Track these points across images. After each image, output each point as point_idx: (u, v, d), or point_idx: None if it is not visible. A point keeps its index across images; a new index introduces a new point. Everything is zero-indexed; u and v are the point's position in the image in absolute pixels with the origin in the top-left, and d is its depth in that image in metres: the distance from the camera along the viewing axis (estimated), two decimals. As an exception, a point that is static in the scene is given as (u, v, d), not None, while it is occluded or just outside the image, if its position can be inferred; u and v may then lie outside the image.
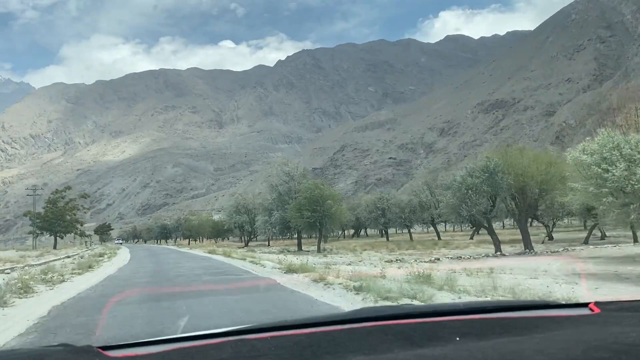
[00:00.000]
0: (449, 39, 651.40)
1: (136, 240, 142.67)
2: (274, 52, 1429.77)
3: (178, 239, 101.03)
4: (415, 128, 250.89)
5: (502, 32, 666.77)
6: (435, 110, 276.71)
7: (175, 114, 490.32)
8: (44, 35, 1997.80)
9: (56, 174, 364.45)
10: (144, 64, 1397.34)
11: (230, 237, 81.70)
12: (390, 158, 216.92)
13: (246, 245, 56.18)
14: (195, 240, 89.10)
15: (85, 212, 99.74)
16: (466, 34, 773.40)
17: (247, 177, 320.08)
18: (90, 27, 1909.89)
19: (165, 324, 7.54)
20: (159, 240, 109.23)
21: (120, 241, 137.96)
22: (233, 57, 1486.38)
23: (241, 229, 57.83)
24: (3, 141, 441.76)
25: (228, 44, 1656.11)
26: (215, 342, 1.26)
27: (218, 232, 76.11)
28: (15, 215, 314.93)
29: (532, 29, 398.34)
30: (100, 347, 1.20)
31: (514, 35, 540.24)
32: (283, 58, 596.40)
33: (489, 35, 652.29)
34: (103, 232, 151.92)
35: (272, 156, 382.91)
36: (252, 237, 60.27)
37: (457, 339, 1.20)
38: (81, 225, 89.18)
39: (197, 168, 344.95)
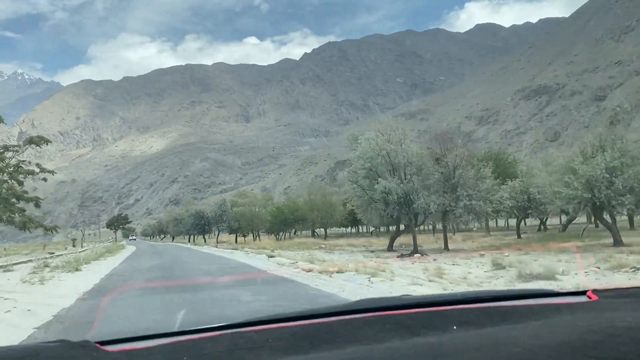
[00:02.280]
0: (479, 27, 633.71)
1: (162, 236, 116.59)
2: (298, 47, 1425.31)
3: (221, 233, 68.34)
4: (450, 117, 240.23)
5: (533, 20, 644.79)
6: (470, 99, 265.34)
7: (202, 109, 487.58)
8: (72, 35, 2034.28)
9: (84, 170, 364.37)
10: (170, 61, 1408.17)
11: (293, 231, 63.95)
12: (428, 148, 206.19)
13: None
14: (245, 236, 61.41)
15: (43, 180, 55.83)
16: (497, 22, 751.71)
17: (275, 170, 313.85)
18: (117, 27, 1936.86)
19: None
20: (192, 237, 78.30)
21: (134, 238, 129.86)
22: (257, 53, 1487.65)
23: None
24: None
25: (252, 40, 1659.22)
26: (212, 335, 1.27)
27: (282, 223, 54.56)
28: (44, 211, 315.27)
29: (567, 15, 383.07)
30: (97, 342, 1.21)
31: (547, 23, 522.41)
32: (309, 51, 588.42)
33: (520, 23, 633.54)
34: (118, 225, 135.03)
35: (300, 150, 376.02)
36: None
37: (454, 327, 1.20)
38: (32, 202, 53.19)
39: (224, 162, 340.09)
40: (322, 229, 56.06)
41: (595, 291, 1.62)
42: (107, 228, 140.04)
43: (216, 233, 68.25)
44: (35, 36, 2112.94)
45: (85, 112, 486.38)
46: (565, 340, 0.91)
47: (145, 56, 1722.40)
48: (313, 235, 57.49)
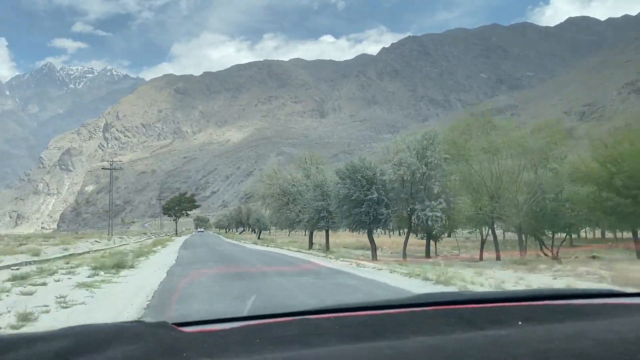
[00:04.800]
0: (571, 21, 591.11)
1: (242, 229, 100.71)
2: (373, 45, 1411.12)
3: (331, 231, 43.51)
4: (547, 112, 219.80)
5: (633, 13, 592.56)
6: (567, 94, 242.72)
7: (278, 104, 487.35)
8: (157, 34, 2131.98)
9: (164, 162, 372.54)
10: (247, 59, 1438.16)
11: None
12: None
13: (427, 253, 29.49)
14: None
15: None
16: (590, 15, 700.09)
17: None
18: (199, 26, 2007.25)
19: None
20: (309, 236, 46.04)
21: (202, 230, 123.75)
22: (333, 51, 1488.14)
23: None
24: (117, 130, 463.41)
25: (328, 38, 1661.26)
26: (281, 321, 1.30)
27: None
28: (124, 200, 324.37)
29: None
30: (174, 324, 1.26)
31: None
32: (386, 46, 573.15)
33: (617, 16, 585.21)
34: (180, 211, 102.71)
35: (376, 146, 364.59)
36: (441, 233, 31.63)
37: (520, 323, 1.20)
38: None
39: (299, 157, 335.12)
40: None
41: None
42: (165, 214, 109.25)
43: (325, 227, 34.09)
44: (123, 35, 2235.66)
45: (166, 105, 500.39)
46: (637, 337, 0.91)
47: (225, 54, 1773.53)
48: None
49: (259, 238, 63.65)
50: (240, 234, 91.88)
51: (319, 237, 38.34)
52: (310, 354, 0.83)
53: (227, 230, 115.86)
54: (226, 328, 1.22)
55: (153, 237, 69.74)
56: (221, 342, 1.08)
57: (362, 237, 32.03)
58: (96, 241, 41.72)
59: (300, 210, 34.12)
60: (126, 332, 1.06)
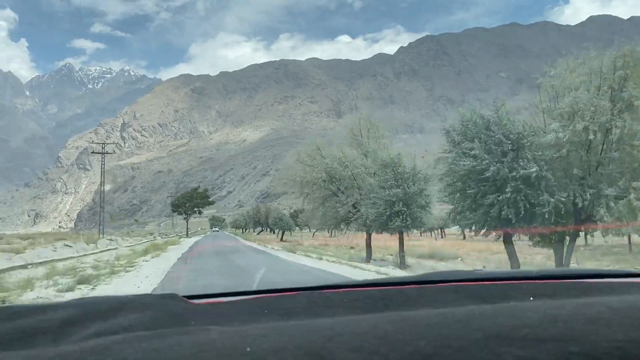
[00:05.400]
0: (592, 20, 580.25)
1: (260, 229, 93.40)
2: (390, 44, 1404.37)
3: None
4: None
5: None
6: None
7: (294, 104, 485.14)
8: (175, 34, 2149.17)
9: (180, 161, 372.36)
10: (263, 60, 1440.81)
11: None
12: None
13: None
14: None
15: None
16: (612, 13, 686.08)
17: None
18: (216, 26, 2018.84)
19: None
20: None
21: (217, 229, 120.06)
22: (349, 51, 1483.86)
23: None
24: (134, 129, 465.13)
25: (345, 38, 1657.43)
26: (291, 294, 1.33)
27: None
28: (140, 200, 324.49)
29: None
30: (184, 296, 1.28)
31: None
32: (404, 45, 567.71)
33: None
34: (191, 208, 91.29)
35: (393, 146, 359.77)
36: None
37: (531, 299, 1.19)
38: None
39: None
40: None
41: None
42: (175, 212, 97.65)
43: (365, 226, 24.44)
44: (141, 35, 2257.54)
45: (183, 105, 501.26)
46: None
47: (241, 55, 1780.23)
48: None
49: (281, 240, 56.64)
50: (258, 234, 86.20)
51: (376, 240, 26.25)
52: (318, 323, 0.80)
53: (244, 230, 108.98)
54: (235, 300, 1.25)
55: (159, 238, 62.79)
56: (229, 312, 1.11)
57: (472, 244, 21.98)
58: (67, 245, 29.45)
59: (355, 203, 23.66)
60: (135, 302, 1.09)
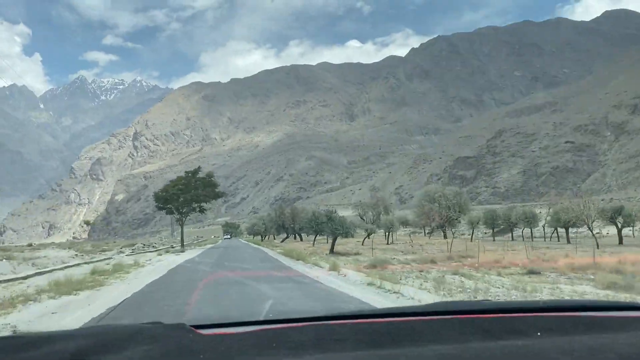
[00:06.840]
0: (607, 15, 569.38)
1: (285, 236, 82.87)
2: (400, 48, 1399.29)
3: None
4: (592, 108, 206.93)
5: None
6: (613, 88, 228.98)
7: (306, 108, 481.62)
8: (185, 44, 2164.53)
9: (193, 169, 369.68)
10: (274, 66, 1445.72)
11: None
12: (567, 142, 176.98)
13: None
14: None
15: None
16: (630, 8, 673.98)
17: (383, 169, 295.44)
18: (226, 35, 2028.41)
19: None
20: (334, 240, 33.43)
21: (228, 236, 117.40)
22: (359, 55, 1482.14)
23: None
24: (146, 138, 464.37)
25: (354, 43, 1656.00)
26: (298, 326, 1.32)
27: None
28: (154, 210, 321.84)
29: None
30: (192, 326, 1.27)
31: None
32: (416, 46, 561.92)
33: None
34: (188, 212, 57.15)
35: (408, 148, 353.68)
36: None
37: (538, 334, 1.17)
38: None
39: (330, 161, 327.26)
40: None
41: None
42: (161, 209, 61.35)
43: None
44: (152, 46, 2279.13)
45: (194, 113, 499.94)
46: None
47: (251, 62, 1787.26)
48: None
49: (332, 251, 30.67)
50: (282, 241, 68.30)
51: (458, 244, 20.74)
52: (326, 359, 0.84)
53: (263, 237, 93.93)
54: (243, 331, 1.24)
55: (127, 254, 36.44)
56: (238, 345, 1.09)
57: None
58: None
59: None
60: (144, 333, 1.08)
